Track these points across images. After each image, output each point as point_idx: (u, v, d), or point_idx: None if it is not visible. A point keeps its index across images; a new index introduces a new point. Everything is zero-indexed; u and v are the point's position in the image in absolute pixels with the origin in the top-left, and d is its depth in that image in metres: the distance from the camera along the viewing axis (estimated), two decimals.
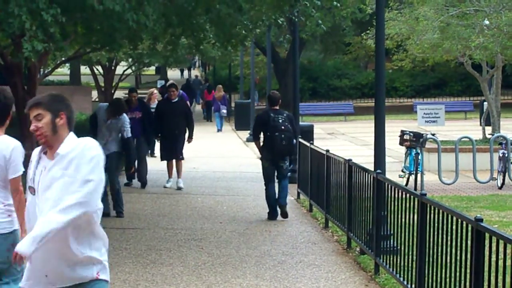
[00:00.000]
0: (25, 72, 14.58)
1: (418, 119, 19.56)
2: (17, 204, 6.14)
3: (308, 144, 14.63)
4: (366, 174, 10.32)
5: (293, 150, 13.66)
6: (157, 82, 50.88)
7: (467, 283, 6.47)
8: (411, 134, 17.19)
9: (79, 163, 4.88)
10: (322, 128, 33.88)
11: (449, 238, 7.07)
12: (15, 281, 6.21)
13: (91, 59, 30.61)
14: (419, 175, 16.56)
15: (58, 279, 4.96)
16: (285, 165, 13.55)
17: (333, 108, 43.06)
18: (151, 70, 65.08)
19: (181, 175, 16.83)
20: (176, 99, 16.97)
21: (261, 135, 13.60)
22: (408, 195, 8.59)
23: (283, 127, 13.25)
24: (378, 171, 10.01)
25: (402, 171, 17.39)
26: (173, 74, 71.47)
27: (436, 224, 7.42)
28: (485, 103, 24.02)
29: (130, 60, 34.68)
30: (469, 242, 6.48)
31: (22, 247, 4.80)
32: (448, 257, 7.06)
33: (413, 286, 8.08)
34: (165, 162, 17.01)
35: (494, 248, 6.06)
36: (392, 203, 9.09)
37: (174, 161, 16.83)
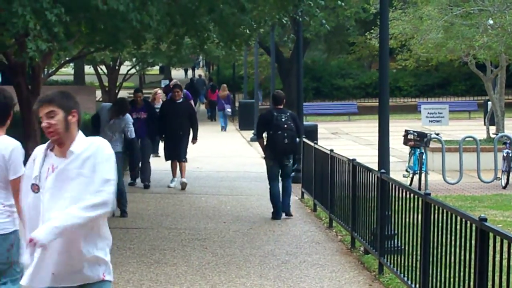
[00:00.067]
0: (29, 72, 14.58)
1: (422, 118, 19.53)
2: (19, 205, 6.14)
3: (312, 143, 14.63)
4: (370, 173, 10.31)
5: (296, 148, 13.65)
6: (161, 82, 50.88)
7: (471, 283, 6.46)
8: (415, 133, 17.18)
9: (96, 162, 4.91)
10: (326, 127, 33.87)
11: (453, 237, 7.06)
12: (14, 282, 6.19)
13: (95, 58, 30.60)
14: (423, 175, 16.54)
15: (64, 278, 4.95)
16: (289, 163, 13.56)
17: (337, 107, 43.05)
18: (155, 69, 65.06)
19: (185, 175, 16.82)
20: (181, 99, 16.97)
21: (265, 134, 13.62)
22: (412, 194, 8.58)
23: (285, 126, 13.26)
24: (382, 170, 10.00)
25: (406, 170, 17.38)
26: (177, 73, 71.46)
27: (440, 224, 7.41)
28: (489, 102, 24.01)
29: (134, 59, 34.68)
30: (473, 242, 6.47)
31: (40, 234, 4.77)
32: (452, 257, 7.05)
33: (417, 285, 8.07)
34: (169, 162, 17.01)
35: (498, 248, 6.05)
36: (396, 202, 9.09)
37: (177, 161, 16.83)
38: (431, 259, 7.65)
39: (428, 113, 19.35)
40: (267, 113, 13.82)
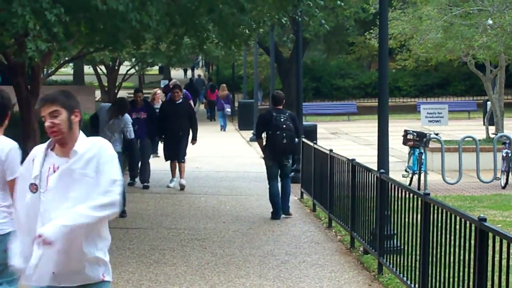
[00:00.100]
0: (28, 72, 14.58)
1: (422, 118, 19.54)
2: None
3: (311, 143, 14.64)
4: (370, 173, 10.32)
5: (295, 148, 13.66)
6: (160, 82, 50.89)
7: (471, 283, 6.46)
8: (415, 133, 17.19)
9: (100, 163, 4.91)
10: (325, 127, 33.87)
11: (452, 237, 7.06)
12: (10, 283, 6.17)
13: (94, 59, 30.60)
14: (422, 175, 16.55)
15: (64, 277, 4.93)
16: (288, 164, 13.58)
17: (336, 107, 43.06)
18: (155, 69, 65.03)
19: (184, 176, 16.82)
20: (180, 100, 16.97)
21: (264, 135, 13.64)
22: (411, 194, 8.58)
23: (284, 126, 13.28)
24: (382, 170, 10.00)
25: (406, 170, 17.38)
26: (177, 73, 71.47)
27: (439, 224, 7.41)
28: (489, 102, 24.02)
29: (133, 59, 34.67)
30: (472, 241, 6.47)
31: (48, 231, 4.75)
32: (452, 257, 7.06)
33: (416, 285, 8.07)
34: (168, 162, 17.01)
35: (497, 248, 6.06)
36: (396, 202, 9.09)
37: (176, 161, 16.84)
38: (430, 259, 7.65)
39: (428, 113, 19.36)
40: (266, 113, 13.85)
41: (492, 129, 23.12)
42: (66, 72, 52.33)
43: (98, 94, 38.10)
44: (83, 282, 4.97)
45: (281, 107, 13.65)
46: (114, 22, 11.28)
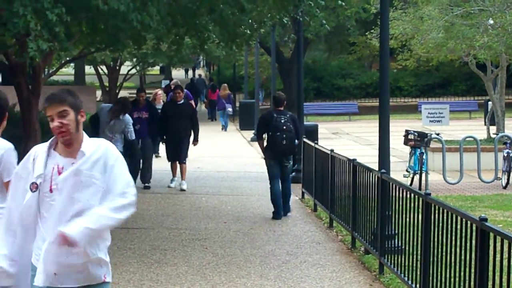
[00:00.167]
0: (29, 72, 14.60)
1: (423, 118, 19.54)
2: None
3: (312, 144, 14.64)
4: (371, 173, 10.32)
5: (294, 150, 13.68)
6: (161, 82, 50.93)
7: (472, 283, 6.46)
8: (416, 133, 17.18)
9: (110, 164, 4.93)
10: (326, 127, 33.88)
11: (453, 237, 7.06)
12: None
13: (95, 59, 30.65)
14: (423, 175, 16.54)
15: (67, 278, 4.92)
16: (289, 165, 13.61)
17: (337, 107, 43.04)
18: (156, 70, 65.12)
19: (185, 177, 16.81)
20: (182, 100, 16.96)
21: (265, 135, 13.67)
22: (412, 194, 8.58)
23: (284, 127, 13.31)
24: (383, 170, 10.00)
25: (407, 170, 17.38)
26: (178, 74, 71.50)
27: (440, 224, 7.41)
28: (490, 102, 24.00)
29: (134, 60, 34.73)
30: (473, 241, 6.47)
31: (73, 232, 4.74)
32: (453, 257, 7.06)
33: (417, 285, 8.07)
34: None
35: (498, 248, 6.06)
36: (397, 202, 9.09)
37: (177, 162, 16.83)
38: (431, 259, 7.65)
39: (429, 113, 19.35)
40: (267, 114, 13.89)
41: (493, 129, 23.12)
42: (67, 72, 52.40)
43: (99, 94, 38.17)
44: (85, 283, 4.96)
45: (282, 108, 13.67)
46: (115, 22, 11.29)
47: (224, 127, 35.16)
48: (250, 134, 30.53)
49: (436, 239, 7.55)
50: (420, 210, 8.08)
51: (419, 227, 8.14)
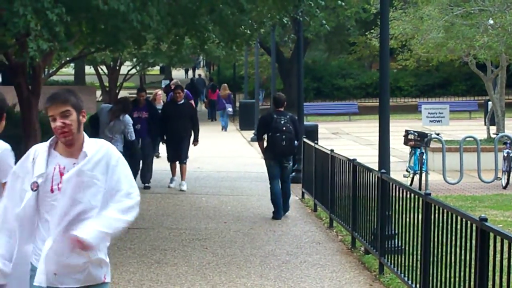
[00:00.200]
0: (29, 72, 14.60)
1: (423, 118, 19.54)
2: None
3: (312, 144, 14.64)
4: (371, 173, 10.32)
5: (294, 150, 13.70)
6: (161, 82, 50.94)
7: (472, 283, 6.46)
8: (416, 133, 17.18)
9: (112, 165, 4.94)
10: (326, 127, 33.88)
11: (453, 237, 7.06)
12: None
13: (95, 59, 30.65)
14: (423, 175, 16.55)
15: (67, 278, 4.91)
16: (289, 165, 13.63)
17: (337, 108, 43.04)
18: (156, 70, 65.14)
19: (185, 177, 16.80)
20: (182, 101, 16.96)
21: (265, 136, 13.69)
22: (412, 194, 8.58)
23: (284, 128, 13.34)
24: (383, 170, 10.00)
25: (407, 170, 17.38)
26: (178, 74, 71.51)
27: (440, 224, 7.41)
28: (490, 102, 24.00)
29: (134, 60, 34.71)
30: (473, 241, 6.47)
31: (89, 236, 4.75)
32: (453, 257, 7.06)
33: (417, 286, 8.08)
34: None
35: (498, 248, 6.06)
36: (397, 202, 9.09)
37: (177, 162, 16.83)
38: (431, 259, 7.65)
39: (429, 113, 19.35)
40: (267, 115, 13.92)
41: (493, 129, 23.12)
42: (67, 72, 52.42)
43: (99, 94, 38.18)
44: (85, 283, 4.95)
45: (282, 109, 13.69)
46: (115, 22, 11.30)
47: (224, 127, 35.15)
48: (250, 134, 30.53)
49: (436, 239, 7.55)
50: (420, 210, 8.08)
51: (419, 227, 8.14)
